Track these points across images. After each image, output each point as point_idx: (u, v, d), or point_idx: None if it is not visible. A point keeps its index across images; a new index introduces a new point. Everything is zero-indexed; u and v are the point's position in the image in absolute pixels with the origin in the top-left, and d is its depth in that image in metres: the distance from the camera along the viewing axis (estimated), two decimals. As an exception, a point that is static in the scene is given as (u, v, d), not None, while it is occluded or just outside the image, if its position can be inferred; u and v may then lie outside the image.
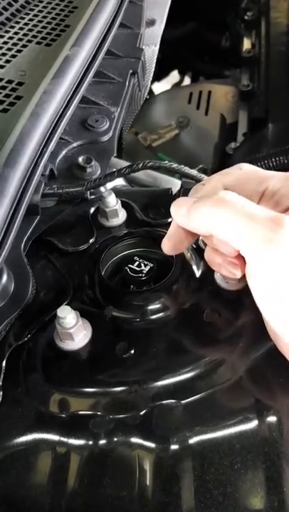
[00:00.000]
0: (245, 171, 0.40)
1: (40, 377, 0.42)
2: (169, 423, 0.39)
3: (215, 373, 0.41)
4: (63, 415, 0.40)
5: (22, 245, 0.48)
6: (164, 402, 0.39)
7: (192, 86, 1.31)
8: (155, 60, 0.89)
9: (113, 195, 0.52)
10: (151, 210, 0.54)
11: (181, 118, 1.11)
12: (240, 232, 0.34)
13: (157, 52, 0.90)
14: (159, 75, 1.55)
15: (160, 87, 1.57)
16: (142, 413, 0.39)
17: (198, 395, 0.40)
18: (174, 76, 1.68)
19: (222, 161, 0.94)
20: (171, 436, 0.39)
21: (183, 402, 0.40)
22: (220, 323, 0.43)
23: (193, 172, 0.53)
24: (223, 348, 0.42)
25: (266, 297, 0.34)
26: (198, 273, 0.47)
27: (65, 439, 0.40)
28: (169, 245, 0.42)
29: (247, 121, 0.99)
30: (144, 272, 0.46)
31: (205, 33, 1.42)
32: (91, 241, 0.51)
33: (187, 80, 1.67)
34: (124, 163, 0.68)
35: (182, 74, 1.68)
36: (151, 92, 1.35)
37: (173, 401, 0.39)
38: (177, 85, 1.66)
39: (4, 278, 0.45)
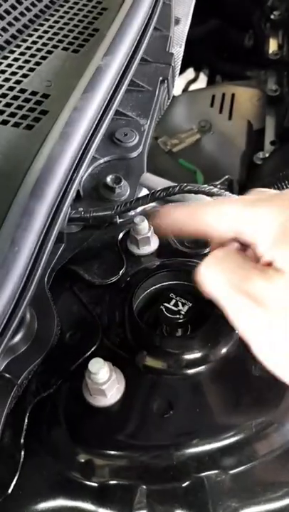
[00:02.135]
0: None
1: (67, 436, 0.37)
2: (214, 496, 0.34)
3: (266, 437, 0.36)
4: (94, 484, 0.35)
5: (45, 278, 0.43)
6: (209, 473, 0.34)
7: (214, 88, 1.24)
8: (180, 62, 0.84)
9: (146, 222, 0.47)
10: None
11: (202, 122, 1.05)
12: None
13: (182, 53, 0.85)
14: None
15: (175, 84, 1.51)
16: (184, 485, 0.34)
17: (248, 464, 0.35)
18: (189, 72, 1.62)
19: (249, 172, 0.88)
20: (217, 510, 0.34)
21: (230, 472, 0.35)
22: (272, 378, 0.38)
23: (235, 197, 0.48)
24: (276, 407, 0.37)
25: None
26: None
27: (95, 509, 0.35)
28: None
29: (275, 129, 0.93)
30: (183, 312, 0.41)
31: (227, 31, 1.35)
32: (121, 272, 0.46)
33: (203, 77, 1.61)
34: (153, 178, 0.63)
35: (198, 71, 1.62)
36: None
37: (219, 471, 0.35)
38: (192, 82, 1.60)
39: (28, 317, 0.40)
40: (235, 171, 0.92)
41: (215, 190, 0.47)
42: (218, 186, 0.82)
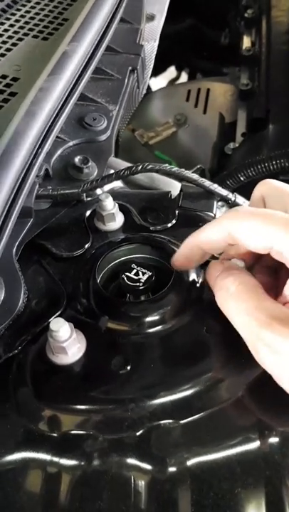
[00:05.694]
0: None
1: (31, 393, 0.39)
2: (166, 444, 0.37)
3: (215, 391, 0.39)
4: (55, 434, 0.38)
5: (14, 250, 0.46)
6: (162, 422, 0.37)
7: (190, 83, 1.28)
8: (154, 57, 0.87)
9: (110, 199, 0.49)
10: (150, 215, 0.52)
11: (178, 116, 1.09)
12: None
13: (156, 48, 0.88)
14: (156, 70, 1.53)
15: (157, 83, 1.55)
16: (138, 434, 0.37)
17: (198, 415, 0.38)
18: (171, 72, 1.65)
19: (220, 162, 0.92)
20: (169, 458, 0.37)
21: (181, 422, 0.37)
22: (222, 337, 0.41)
23: (194, 176, 0.51)
24: (225, 364, 0.40)
25: None
26: (198, 281, 0.45)
27: (56, 459, 0.37)
28: (180, 263, 0.43)
29: (246, 121, 0.97)
30: (142, 280, 0.44)
31: (204, 30, 1.39)
32: (86, 246, 0.49)
33: (184, 76, 1.64)
34: (121, 163, 0.66)
35: (179, 70, 1.66)
36: (148, 87, 1.33)
37: (171, 421, 0.37)
38: (174, 81, 1.64)
39: (-5, 284, 0.42)
40: (208, 161, 0.95)
41: (175, 169, 0.50)
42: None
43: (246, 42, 1.13)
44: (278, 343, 0.33)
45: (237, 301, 0.36)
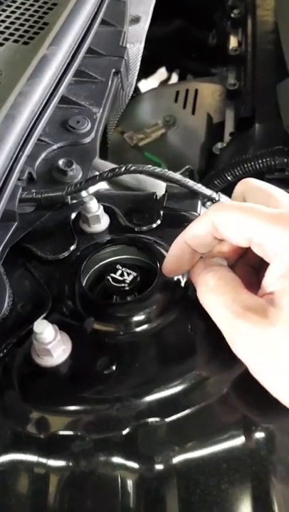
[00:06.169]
0: None
1: (17, 396, 0.39)
2: (152, 442, 0.37)
3: (200, 389, 0.39)
4: (42, 436, 0.38)
5: (-2, 254, 0.46)
6: (148, 420, 0.37)
7: (178, 84, 1.29)
8: (140, 58, 0.87)
9: (95, 201, 0.50)
10: (135, 216, 0.52)
11: (167, 117, 1.09)
12: None
13: (142, 50, 0.88)
14: (147, 72, 1.54)
15: (147, 84, 1.55)
16: (124, 433, 0.37)
17: (183, 412, 0.38)
18: (162, 73, 1.66)
19: (209, 162, 0.92)
20: (156, 456, 0.37)
21: (167, 420, 0.38)
22: (206, 335, 0.41)
23: (178, 176, 0.51)
24: (209, 361, 0.40)
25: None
26: (183, 281, 0.45)
27: (44, 461, 0.38)
28: (171, 267, 0.42)
29: (234, 121, 0.97)
30: (128, 281, 0.44)
31: (192, 31, 1.40)
32: (72, 248, 0.49)
33: (175, 77, 1.65)
34: (108, 165, 0.66)
35: (170, 71, 1.66)
36: (138, 89, 1.33)
37: (157, 419, 0.37)
38: (165, 82, 1.64)
39: (-21, 288, 0.42)
40: (197, 162, 0.95)
41: (158, 170, 0.51)
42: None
43: (233, 42, 1.14)
44: (252, 333, 0.33)
45: (216, 295, 0.36)
